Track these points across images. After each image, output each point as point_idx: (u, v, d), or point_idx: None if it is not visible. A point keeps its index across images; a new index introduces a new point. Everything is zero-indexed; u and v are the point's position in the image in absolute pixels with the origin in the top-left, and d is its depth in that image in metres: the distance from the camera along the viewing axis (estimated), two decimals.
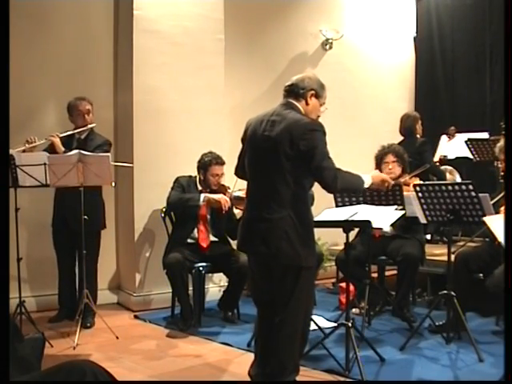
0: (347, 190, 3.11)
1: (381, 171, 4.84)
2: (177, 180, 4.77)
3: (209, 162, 4.65)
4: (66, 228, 4.59)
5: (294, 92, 2.96)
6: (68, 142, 4.51)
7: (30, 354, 2.22)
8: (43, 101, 4.73)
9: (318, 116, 3.03)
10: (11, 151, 4.08)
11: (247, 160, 3.02)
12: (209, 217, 4.67)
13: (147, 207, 5.06)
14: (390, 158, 4.77)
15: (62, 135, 4.48)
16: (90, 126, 4.58)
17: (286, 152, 2.80)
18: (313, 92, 2.97)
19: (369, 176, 3.08)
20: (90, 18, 5.19)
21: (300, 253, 2.82)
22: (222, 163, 4.67)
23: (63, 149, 4.41)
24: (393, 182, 3.30)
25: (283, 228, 2.81)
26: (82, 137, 4.61)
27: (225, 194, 4.59)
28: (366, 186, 3.06)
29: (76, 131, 4.55)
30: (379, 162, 4.86)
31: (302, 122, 2.84)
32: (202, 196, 4.55)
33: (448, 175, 5.74)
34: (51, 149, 4.42)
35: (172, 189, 4.74)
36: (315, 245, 3.01)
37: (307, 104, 2.97)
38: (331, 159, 2.84)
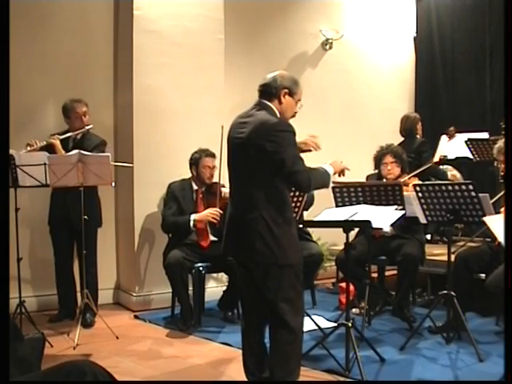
0: (318, 188, 3.11)
1: (380, 172, 4.87)
2: (169, 190, 4.77)
3: (199, 156, 4.71)
4: (64, 227, 4.59)
5: (267, 92, 2.94)
6: (65, 143, 4.51)
7: (30, 353, 2.22)
8: (43, 101, 4.74)
9: (295, 112, 3.02)
10: (11, 151, 4.09)
11: (227, 162, 3.05)
12: None
13: (147, 207, 5.06)
14: (389, 158, 4.78)
15: (61, 137, 4.48)
16: (87, 127, 4.58)
17: (254, 153, 2.80)
18: (286, 90, 2.93)
19: (330, 166, 3.05)
20: (89, 18, 5.19)
21: (275, 252, 2.80)
22: (212, 155, 4.70)
23: (63, 152, 4.41)
24: (349, 169, 3.30)
25: (256, 228, 2.80)
26: (79, 137, 4.61)
27: (219, 193, 4.59)
28: (332, 178, 3.06)
29: (75, 133, 4.55)
30: (378, 162, 4.87)
31: (268, 123, 2.81)
32: (192, 222, 4.53)
33: (449, 174, 5.73)
34: (50, 149, 4.42)
35: (165, 204, 4.75)
36: (297, 242, 2.96)
37: (281, 103, 2.94)
38: (302, 160, 2.82)
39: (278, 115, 2.92)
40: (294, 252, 2.90)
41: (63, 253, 4.68)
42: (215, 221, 4.48)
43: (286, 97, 2.94)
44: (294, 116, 3.02)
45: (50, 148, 4.44)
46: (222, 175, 4.41)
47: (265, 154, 2.77)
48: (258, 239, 2.80)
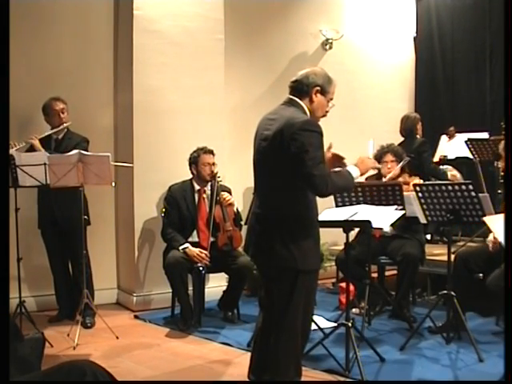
0: (338, 192, 3.00)
1: (379, 171, 4.86)
2: (169, 193, 4.77)
3: (197, 154, 4.72)
4: (53, 229, 4.60)
5: (298, 89, 2.83)
6: (46, 143, 4.51)
7: (30, 353, 2.21)
8: (43, 101, 4.72)
9: (327, 112, 2.90)
10: (11, 151, 4.08)
11: (253, 159, 2.94)
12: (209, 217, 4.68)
13: (147, 207, 5.06)
14: (389, 157, 4.78)
15: (40, 137, 4.48)
16: (65, 124, 4.58)
17: (279, 152, 2.70)
18: (318, 88, 2.81)
19: (356, 168, 2.90)
20: (90, 18, 5.19)
21: (295, 255, 2.71)
22: (211, 152, 4.72)
23: (43, 150, 4.41)
24: (379, 166, 3.22)
25: (277, 229, 2.73)
26: (60, 137, 4.61)
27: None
28: (355, 179, 2.91)
29: (53, 131, 4.56)
30: (378, 161, 4.85)
31: (294, 122, 2.67)
32: (183, 247, 4.52)
33: (449, 174, 5.74)
34: (31, 150, 4.44)
35: (166, 210, 4.73)
36: (318, 247, 2.87)
37: (312, 101, 2.82)
38: (322, 164, 2.69)
39: (308, 114, 2.81)
40: (314, 258, 2.82)
41: (57, 254, 4.68)
42: (200, 262, 4.49)
43: (318, 95, 2.82)
44: (324, 115, 2.90)
45: (31, 149, 4.45)
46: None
47: (289, 153, 2.66)
48: (278, 241, 2.71)
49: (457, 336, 3.95)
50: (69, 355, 3.83)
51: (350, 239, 3.60)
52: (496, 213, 3.82)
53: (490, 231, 3.91)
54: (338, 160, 2.96)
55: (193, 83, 5.23)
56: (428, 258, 4.79)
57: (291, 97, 2.86)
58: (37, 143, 4.43)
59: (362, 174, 2.97)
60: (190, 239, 4.64)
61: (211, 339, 4.20)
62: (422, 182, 4.70)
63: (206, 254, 4.51)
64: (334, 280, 5.86)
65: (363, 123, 6.70)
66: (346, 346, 3.42)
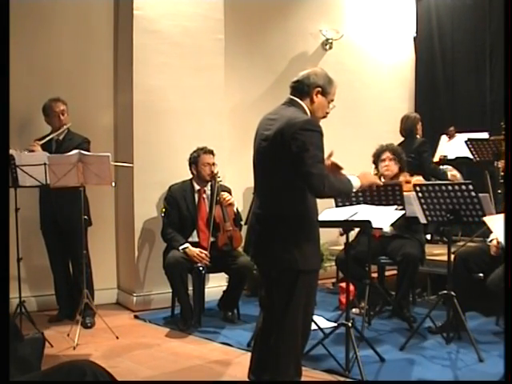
0: (335, 195, 2.99)
1: (377, 169, 4.86)
2: (169, 193, 4.77)
3: (197, 154, 4.73)
4: (54, 229, 4.60)
5: (299, 89, 2.84)
6: (47, 145, 4.50)
7: (30, 353, 2.21)
8: (43, 101, 4.73)
9: (327, 113, 2.91)
10: (11, 151, 4.08)
11: (252, 159, 2.95)
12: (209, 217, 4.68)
13: (147, 207, 5.07)
14: (387, 154, 4.78)
15: (41, 142, 4.46)
16: (65, 126, 4.57)
17: (279, 152, 2.71)
18: (319, 89, 2.82)
19: (357, 179, 2.92)
20: (90, 18, 5.19)
21: (296, 256, 2.71)
22: (211, 152, 4.72)
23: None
24: (381, 183, 3.23)
25: (278, 230, 2.73)
26: (61, 138, 4.60)
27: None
28: (355, 189, 2.94)
29: (54, 134, 4.54)
30: (376, 159, 4.86)
31: (294, 121, 2.68)
32: (183, 247, 4.52)
33: (449, 174, 5.74)
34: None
35: (165, 210, 4.73)
36: (318, 248, 2.87)
37: (313, 102, 2.83)
38: (322, 164, 2.70)
39: (309, 114, 2.81)
40: (314, 258, 2.82)
41: (57, 255, 4.69)
42: (200, 262, 4.49)
43: (319, 96, 2.83)
44: (325, 117, 2.90)
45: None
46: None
47: (289, 153, 2.66)
48: (278, 241, 2.72)
49: (457, 336, 3.95)
50: (69, 355, 3.83)
51: (350, 239, 3.60)
52: (496, 213, 3.82)
53: (490, 231, 3.91)
54: (336, 169, 2.95)
55: (193, 83, 5.23)
56: (428, 258, 4.79)
57: (292, 97, 2.87)
58: (38, 149, 4.39)
59: (361, 187, 2.97)
60: (190, 239, 4.64)
61: (211, 339, 4.20)
62: (423, 181, 4.71)
63: (206, 254, 4.51)
64: (334, 280, 5.86)
65: (363, 123, 6.70)
66: (346, 346, 3.42)
